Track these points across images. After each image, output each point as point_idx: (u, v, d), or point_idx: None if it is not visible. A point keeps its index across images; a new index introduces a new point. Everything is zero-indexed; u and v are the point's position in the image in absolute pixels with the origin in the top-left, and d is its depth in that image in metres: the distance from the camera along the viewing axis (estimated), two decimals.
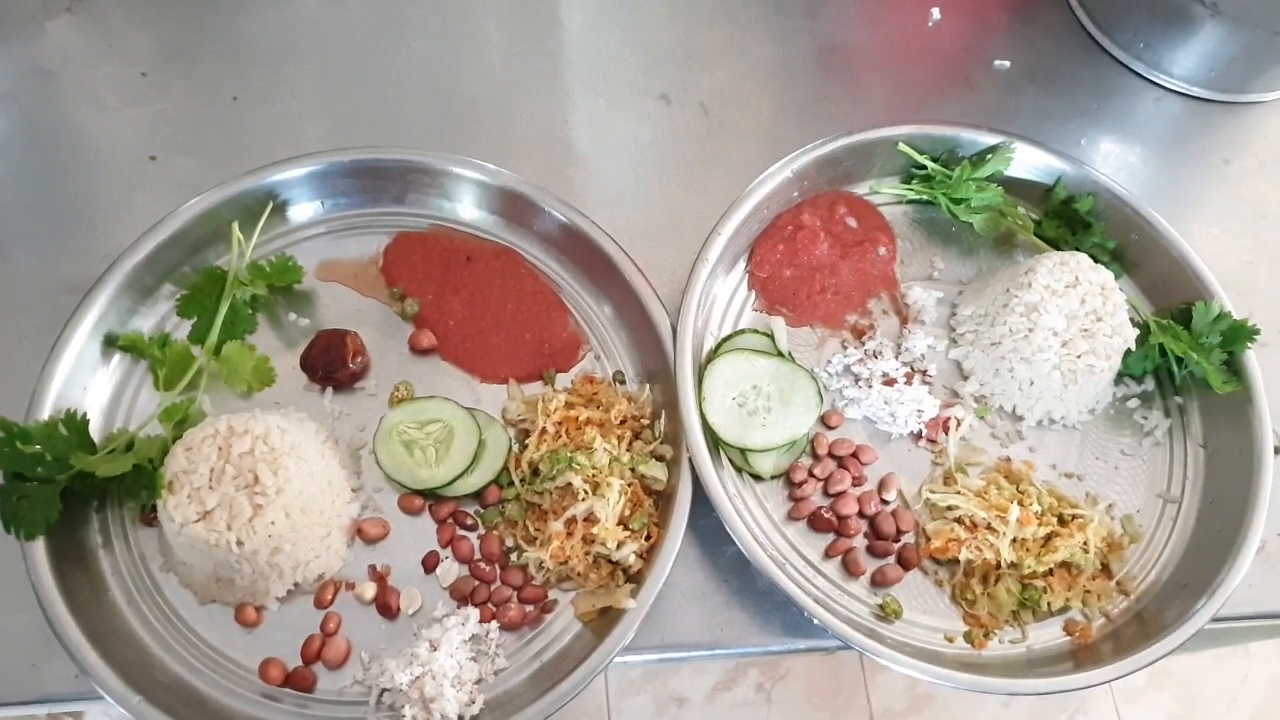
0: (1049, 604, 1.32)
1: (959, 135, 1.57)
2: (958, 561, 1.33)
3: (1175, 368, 1.46)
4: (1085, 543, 1.33)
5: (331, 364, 1.36)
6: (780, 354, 1.42)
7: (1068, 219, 1.56)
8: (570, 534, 1.26)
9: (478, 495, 1.33)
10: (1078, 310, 1.41)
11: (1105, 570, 1.36)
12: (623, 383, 1.42)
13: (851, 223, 1.55)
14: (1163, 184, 1.70)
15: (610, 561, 1.28)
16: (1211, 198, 1.70)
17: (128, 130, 1.55)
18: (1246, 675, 2.89)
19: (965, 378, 1.48)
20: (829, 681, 2.75)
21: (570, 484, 1.26)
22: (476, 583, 1.28)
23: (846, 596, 1.33)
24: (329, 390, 1.38)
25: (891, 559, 1.35)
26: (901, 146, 1.55)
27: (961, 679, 1.23)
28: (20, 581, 1.16)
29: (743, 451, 1.36)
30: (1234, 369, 1.43)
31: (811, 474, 1.38)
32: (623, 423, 1.35)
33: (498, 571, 1.29)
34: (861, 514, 1.37)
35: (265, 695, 1.21)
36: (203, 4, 1.68)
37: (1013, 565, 1.32)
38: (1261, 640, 2.24)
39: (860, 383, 1.44)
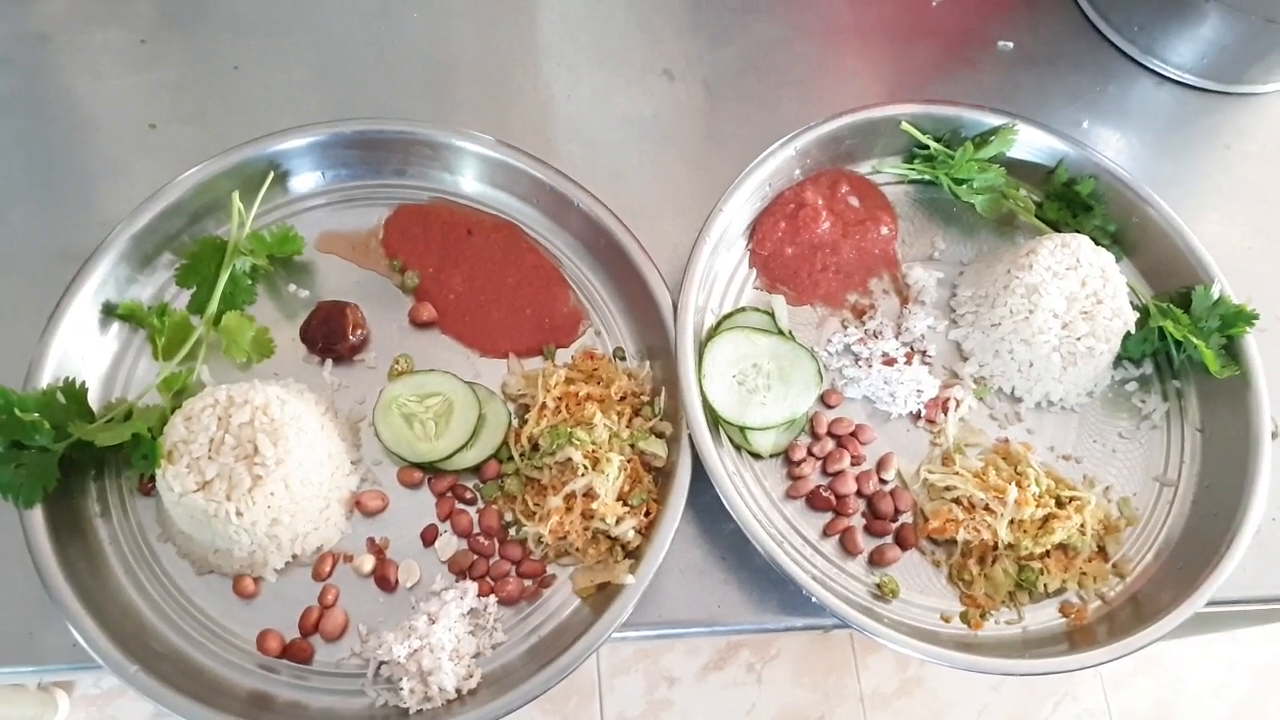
0: (1045, 585, 1.33)
1: (962, 115, 1.57)
2: (955, 542, 1.33)
3: (1174, 351, 1.46)
4: (1082, 525, 1.33)
5: (331, 336, 1.35)
6: (781, 332, 1.42)
7: (1069, 201, 1.56)
8: (569, 509, 1.26)
9: (477, 469, 1.32)
10: (1078, 292, 1.41)
11: (1101, 552, 1.37)
12: (623, 359, 1.42)
13: (854, 201, 1.55)
14: (1163, 168, 1.70)
15: (609, 537, 1.28)
16: (1212, 183, 1.70)
17: (127, 98, 1.53)
18: (1234, 662, 2.92)
19: (965, 358, 1.48)
20: (819, 663, 2.76)
21: (570, 459, 1.26)
22: (475, 557, 1.28)
23: (844, 575, 1.33)
24: (328, 362, 1.37)
25: (889, 538, 1.36)
26: (905, 125, 1.54)
27: (957, 659, 1.23)
28: (18, 549, 1.16)
29: (742, 429, 1.36)
30: (1232, 354, 1.43)
31: (810, 453, 1.38)
32: (623, 399, 1.35)
33: (496, 546, 1.29)
34: (860, 493, 1.37)
35: (262, 666, 1.21)
36: None
37: (1010, 546, 1.32)
38: (1252, 626, 2.26)
39: (860, 362, 1.44)
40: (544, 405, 1.32)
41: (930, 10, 1.82)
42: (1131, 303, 1.45)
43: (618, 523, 1.26)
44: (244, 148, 1.40)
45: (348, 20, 1.66)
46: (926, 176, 1.57)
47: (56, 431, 1.17)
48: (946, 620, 1.31)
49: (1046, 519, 1.32)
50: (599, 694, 2.68)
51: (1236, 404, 1.41)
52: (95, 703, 2.53)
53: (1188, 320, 1.43)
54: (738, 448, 1.38)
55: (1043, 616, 1.33)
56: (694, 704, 2.69)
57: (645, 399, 1.37)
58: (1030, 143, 1.57)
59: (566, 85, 1.65)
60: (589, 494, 1.26)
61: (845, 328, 1.48)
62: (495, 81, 1.64)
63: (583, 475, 1.25)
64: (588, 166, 1.51)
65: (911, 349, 1.47)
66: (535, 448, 1.31)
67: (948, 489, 1.35)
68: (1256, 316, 1.42)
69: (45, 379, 1.23)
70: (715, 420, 1.35)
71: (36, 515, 1.17)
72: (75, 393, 1.22)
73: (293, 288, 1.42)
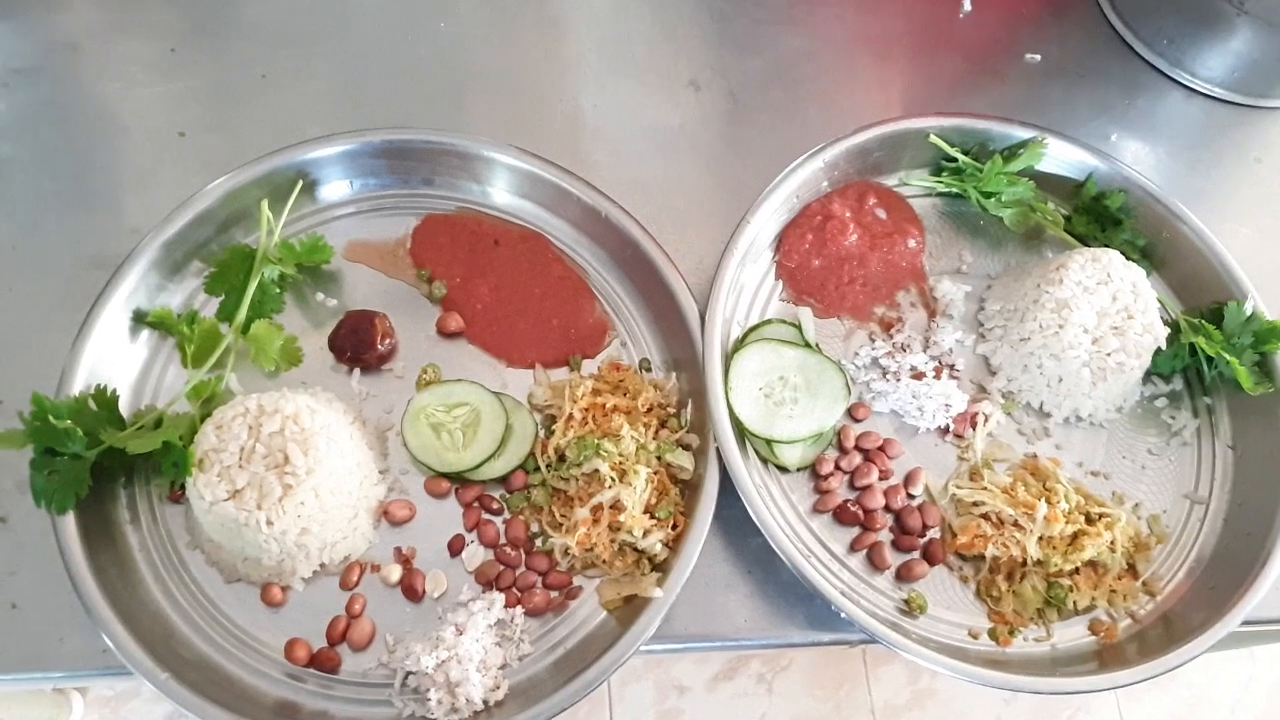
0: (1075, 603, 1.32)
1: (990, 128, 1.56)
2: (983, 558, 1.33)
3: (1205, 367, 1.45)
4: (1112, 542, 1.32)
5: (359, 345, 1.35)
6: (808, 345, 1.42)
7: (1098, 215, 1.55)
8: (596, 521, 1.25)
9: (504, 480, 1.32)
10: (1109, 307, 1.40)
11: (1131, 570, 1.35)
12: (648, 370, 1.41)
13: (881, 214, 1.54)
14: (1193, 182, 1.69)
15: (636, 550, 1.27)
16: (1242, 197, 1.69)
17: (156, 106, 1.54)
18: (1251, 677, 2.90)
19: (993, 373, 1.47)
20: (831, 674, 2.75)
21: (597, 471, 1.26)
22: (502, 567, 1.28)
23: (871, 590, 1.32)
24: (356, 371, 1.37)
25: (917, 554, 1.35)
26: (933, 138, 1.54)
27: (986, 676, 1.22)
28: (51, 555, 1.16)
29: (769, 442, 1.35)
30: (1266, 370, 1.42)
31: (838, 467, 1.38)
32: (649, 411, 1.35)
33: (523, 557, 1.29)
34: (887, 508, 1.36)
35: (290, 675, 1.21)
36: None
37: (1039, 563, 1.31)
38: (1273, 643, 2.24)
39: (888, 376, 1.44)
40: (571, 416, 1.32)
41: (957, 22, 1.82)
42: (1161, 318, 1.44)
43: (645, 535, 1.25)
44: (273, 156, 1.41)
45: (374, 30, 1.67)
46: (954, 189, 1.56)
47: (89, 439, 1.17)
48: (975, 637, 1.31)
49: (1076, 535, 1.32)
50: (609, 702, 2.67)
51: (1270, 421, 1.40)
52: (109, 704, 2.54)
53: (1220, 336, 1.42)
54: (764, 461, 1.37)
55: (1072, 634, 1.32)
56: (704, 713, 2.68)
57: (672, 411, 1.36)
58: (1059, 156, 1.56)
59: (593, 96, 1.65)
60: (616, 506, 1.25)
61: (873, 341, 1.48)
62: (521, 91, 1.64)
63: (610, 487, 1.25)
64: (614, 177, 1.51)
65: (940, 363, 1.46)
66: (562, 459, 1.31)
67: (976, 504, 1.34)
68: None
69: (77, 386, 1.24)
70: (742, 433, 1.34)
71: (68, 521, 1.17)
72: (107, 400, 1.22)
73: (321, 296, 1.42)
